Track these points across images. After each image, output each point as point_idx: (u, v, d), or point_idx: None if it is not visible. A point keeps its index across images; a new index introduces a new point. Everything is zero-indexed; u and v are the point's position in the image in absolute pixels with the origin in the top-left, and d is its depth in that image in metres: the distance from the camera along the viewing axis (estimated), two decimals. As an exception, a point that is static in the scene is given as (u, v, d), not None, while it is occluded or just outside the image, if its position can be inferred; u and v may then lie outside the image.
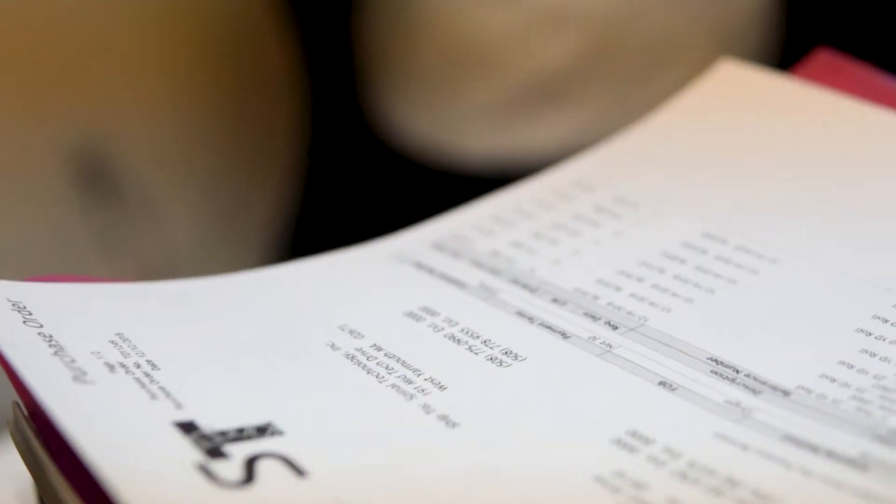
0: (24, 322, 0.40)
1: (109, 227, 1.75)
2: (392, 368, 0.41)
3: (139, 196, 1.77)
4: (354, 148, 1.43)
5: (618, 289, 0.45)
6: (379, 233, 1.44)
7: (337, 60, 1.41)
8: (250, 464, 0.35)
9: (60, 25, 1.66)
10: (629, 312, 0.43)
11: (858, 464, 0.35)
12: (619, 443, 0.36)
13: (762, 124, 0.53)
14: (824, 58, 0.56)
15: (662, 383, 0.39)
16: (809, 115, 0.53)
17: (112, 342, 0.40)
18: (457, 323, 0.43)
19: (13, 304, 0.41)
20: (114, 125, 1.72)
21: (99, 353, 0.39)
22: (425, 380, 0.40)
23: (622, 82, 1.27)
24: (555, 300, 0.44)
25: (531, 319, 0.43)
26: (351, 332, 0.43)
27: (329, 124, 1.42)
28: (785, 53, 1.36)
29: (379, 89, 1.38)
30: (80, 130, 1.70)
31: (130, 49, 1.71)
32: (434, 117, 1.33)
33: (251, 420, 0.37)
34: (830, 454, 0.35)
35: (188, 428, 0.36)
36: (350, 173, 1.45)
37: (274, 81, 1.65)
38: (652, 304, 0.43)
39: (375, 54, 1.37)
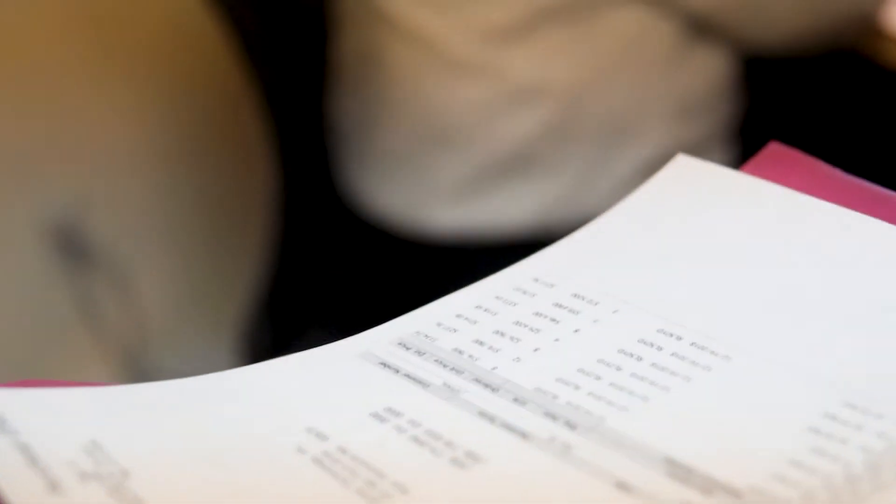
0: (1, 431, 0.41)
1: (87, 297, 1.75)
2: (356, 472, 0.42)
3: (114, 268, 1.77)
4: (327, 220, 1.45)
5: (576, 387, 0.46)
6: (351, 304, 1.45)
7: (310, 135, 1.42)
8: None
9: (36, 103, 1.67)
10: (587, 412, 0.44)
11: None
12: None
13: (716, 219, 0.55)
14: (776, 151, 0.58)
15: (619, 485, 0.40)
16: (762, 210, 0.54)
17: (86, 450, 0.41)
18: (420, 424, 0.45)
19: (-11, 414, 0.42)
20: (91, 198, 1.73)
21: (73, 461, 0.40)
22: (389, 483, 0.41)
23: (587, 155, 1.29)
24: (516, 400, 0.46)
25: (493, 420, 0.45)
26: (318, 434, 0.44)
27: (303, 196, 1.43)
28: (745, 126, 1.39)
29: (351, 163, 1.39)
30: (57, 203, 1.71)
31: (109, 128, 1.72)
32: (404, 191, 1.34)
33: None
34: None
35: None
36: (323, 244, 1.46)
37: (249, 157, 1.67)
38: (609, 402, 0.45)
39: (347, 129, 1.38)
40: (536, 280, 0.54)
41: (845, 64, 1.39)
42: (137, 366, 1.78)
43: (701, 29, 1.26)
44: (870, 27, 1.28)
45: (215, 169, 1.78)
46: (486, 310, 0.53)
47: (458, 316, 0.52)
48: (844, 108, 1.49)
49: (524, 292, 0.53)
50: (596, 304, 0.51)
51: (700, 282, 0.51)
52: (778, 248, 0.52)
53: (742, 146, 1.40)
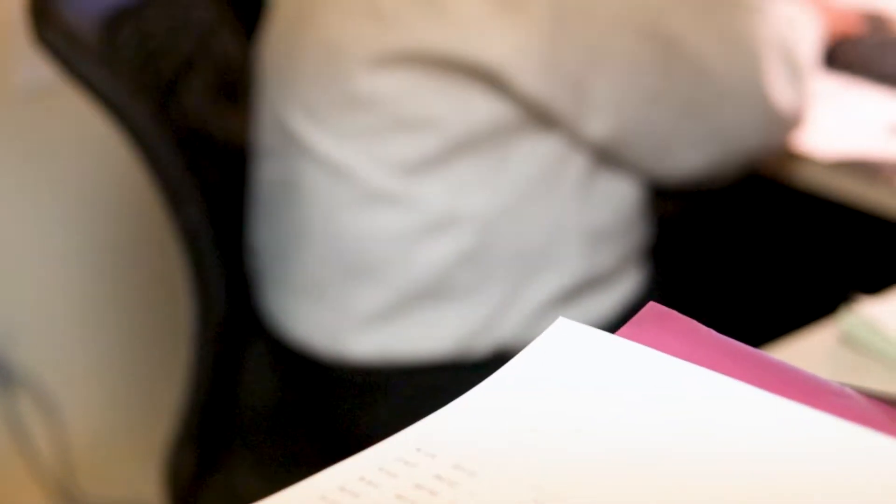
0: None
1: (17, 424, 1.75)
2: None
3: (41, 397, 1.77)
4: (251, 345, 1.45)
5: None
6: (276, 428, 1.44)
7: (234, 263, 1.43)
8: None
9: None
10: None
11: None
12: None
13: (594, 387, 0.56)
14: (655, 312, 0.60)
15: None
16: (638, 375, 0.56)
17: None
18: None
19: None
20: (17, 328, 1.73)
21: None
22: None
23: (503, 282, 1.31)
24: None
25: None
26: None
27: (227, 323, 1.44)
28: (657, 249, 1.41)
29: (272, 290, 1.41)
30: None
31: (36, 261, 1.73)
32: (323, 318, 1.35)
33: None
34: None
35: None
36: (247, 370, 1.47)
37: (172, 286, 1.67)
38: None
39: (268, 257, 1.40)
40: (419, 450, 0.55)
41: (752, 184, 1.42)
42: (69, 494, 1.78)
43: (609, 160, 1.29)
44: (777, 153, 1.32)
45: (139, 300, 1.79)
46: (369, 482, 0.54)
47: (342, 489, 0.53)
48: (754, 227, 1.53)
49: (406, 462, 0.54)
50: (475, 475, 0.52)
51: (576, 449, 0.53)
52: (655, 414, 0.54)
53: (655, 269, 1.43)
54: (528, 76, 1.20)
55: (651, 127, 1.25)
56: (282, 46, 1.35)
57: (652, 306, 0.60)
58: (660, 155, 1.27)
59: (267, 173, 1.38)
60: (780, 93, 1.25)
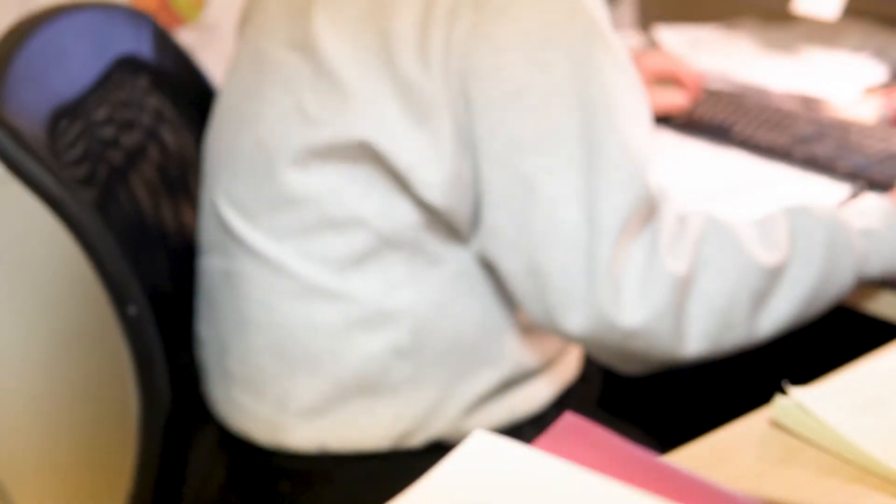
0: None
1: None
2: None
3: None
4: (199, 435, 1.46)
5: None
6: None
7: (181, 353, 1.44)
8: None
9: None
10: None
11: None
12: None
13: (508, 497, 0.58)
14: (571, 423, 0.62)
15: None
16: (550, 487, 0.57)
17: None
18: None
19: None
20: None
21: None
22: None
23: (439, 375, 1.32)
24: None
25: None
26: None
27: (175, 413, 1.44)
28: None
29: (215, 381, 1.42)
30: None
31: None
32: (263, 408, 1.36)
33: None
34: None
35: None
36: (194, 459, 1.47)
37: (120, 380, 1.68)
38: None
39: (211, 347, 1.41)
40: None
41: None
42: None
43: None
44: None
45: (88, 390, 1.79)
46: None
47: None
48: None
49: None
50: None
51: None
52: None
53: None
54: (433, 187, 1.23)
55: None
56: (220, 143, 1.38)
57: (568, 417, 0.62)
58: None
59: (209, 264, 1.40)
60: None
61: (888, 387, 1.04)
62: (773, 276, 1.26)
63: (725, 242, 1.25)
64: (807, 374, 1.16)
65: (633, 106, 1.24)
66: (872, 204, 1.34)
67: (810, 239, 1.28)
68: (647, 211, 1.23)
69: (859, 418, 0.99)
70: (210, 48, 2.03)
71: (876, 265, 1.31)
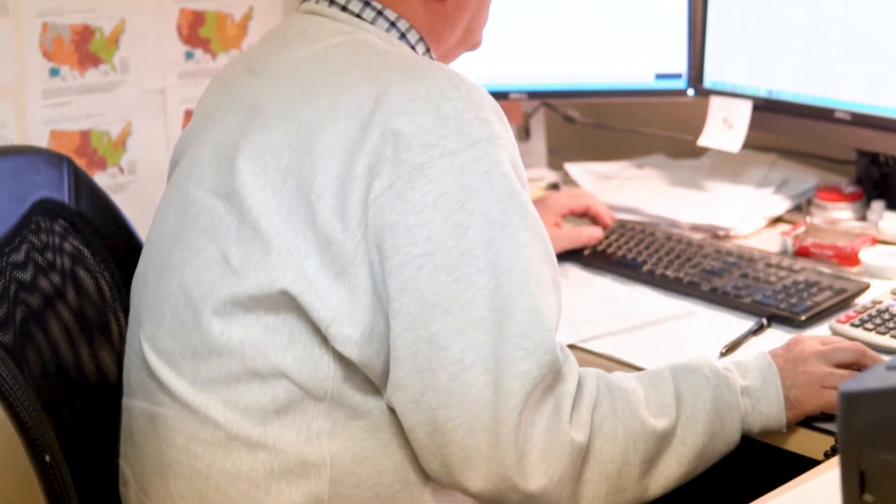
0: None
1: None
2: None
3: None
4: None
5: None
6: None
7: (107, 489, 1.44)
8: None
9: None
10: None
11: None
12: None
13: None
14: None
15: None
16: None
17: None
18: None
19: None
20: None
21: None
22: None
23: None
24: None
25: None
26: None
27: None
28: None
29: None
30: None
31: None
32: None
33: None
34: None
35: None
36: None
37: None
38: None
39: (137, 487, 1.41)
40: None
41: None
42: None
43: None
44: None
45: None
46: None
47: None
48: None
49: None
50: None
51: None
52: None
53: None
54: (349, 342, 1.25)
55: None
56: (147, 288, 1.39)
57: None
58: None
59: (134, 406, 1.40)
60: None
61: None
62: (662, 439, 1.30)
63: (618, 407, 1.29)
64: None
65: (545, 273, 1.27)
66: (755, 362, 1.39)
67: (697, 400, 1.33)
68: (553, 377, 1.26)
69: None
70: (130, 190, 2.05)
71: (756, 422, 1.36)
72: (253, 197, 1.27)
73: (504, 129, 1.28)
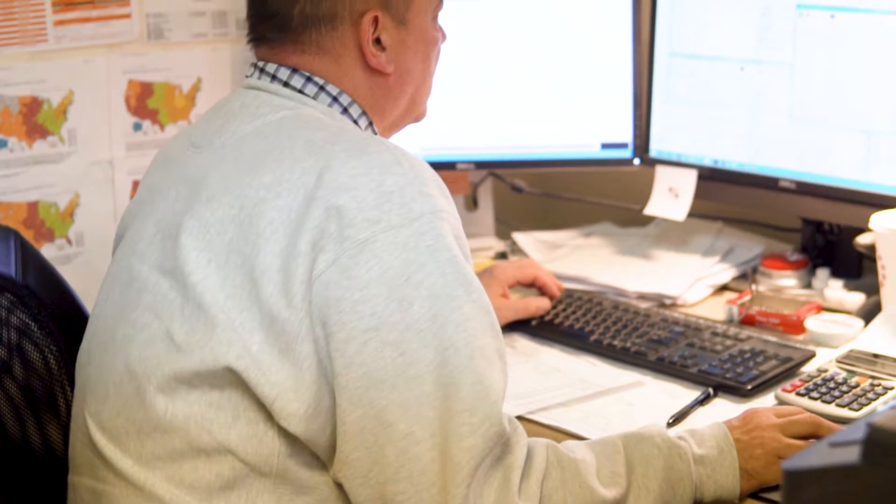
0: None
1: None
2: None
3: None
4: None
5: None
6: None
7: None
8: None
9: None
10: None
11: None
12: None
13: None
14: None
15: None
16: None
17: None
18: None
19: None
20: None
21: None
22: None
23: None
24: None
25: None
26: None
27: None
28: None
29: None
30: None
31: None
32: None
33: None
34: None
35: None
36: None
37: None
38: None
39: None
40: None
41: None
42: None
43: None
44: None
45: None
46: None
47: None
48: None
49: None
50: None
51: None
52: None
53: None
54: (294, 418, 1.25)
55: None
56: (92, 364, 1.38)
57: None
58: None
59: (79, 482, 1.39)
60: None
61: None
62: None
63: (567, 477, 1.30)
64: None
65: (490, 345, 1.28)
66: (711, 431, 1.40)
67: (648, 469, 1.33)
68: (501, 449, 1.27)
69: None
70: (78, 261, 2.04)
71: (709, 491, 1.36)
72: (197, 273, 1.28)
73: (447, 203, 1.29)
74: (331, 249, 1.23)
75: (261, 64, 1.40)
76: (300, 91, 1.38)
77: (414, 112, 1.49)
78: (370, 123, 1.42)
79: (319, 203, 1.24)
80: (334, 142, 1.30)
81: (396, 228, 1.24)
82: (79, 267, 2.03)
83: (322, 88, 1.38)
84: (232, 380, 1.26)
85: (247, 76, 1.42)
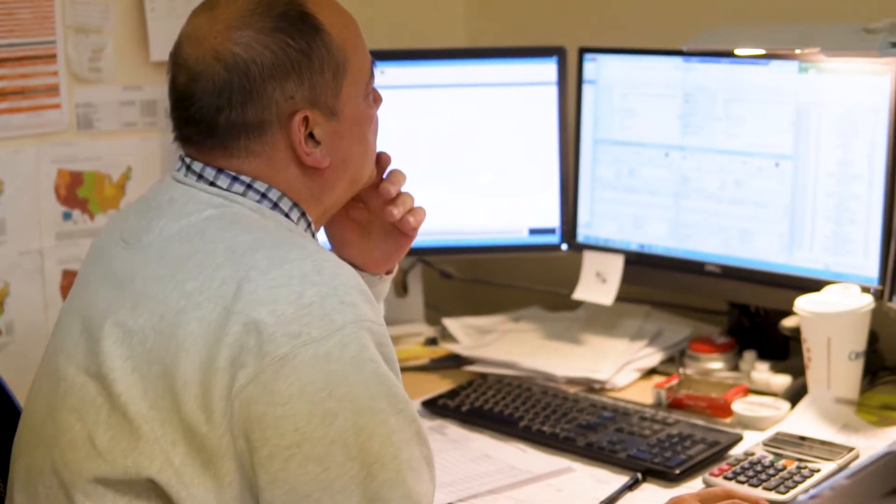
0: None
1: None
2: None
3: None
4: None
5: None
6: None
7: None
8: None
9: None
10: None
11: None
12: None
13: None
14: None
15: None
16: None
17: None
18: None
19: None
20: None
21: None
22: None
23: None
24: None
25: None
26: None
27: None
28: None
29: None
30: None
31: None
32: None
33: None
34: None
35: None
36: None
37: None
38: None
39: None
40: None
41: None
42: None
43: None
44: None
45: None
46: None
47: None
48: None
49: None
50: None
51: None
52: None
53: None
54: None
55: None
56: (21, 463, 1.37)
57: None
58: None
59: None
60: None
61: None
62: None
63: None
64: None
65: (416, 455, 1.27)
66: None
67: None
68: None
69: None
70: (8, 351, 2.03)
71: None
72: (121, 382, 1.26)
73: (370, 309, 1.27)
74: (251, 364, 1.21)
75: (188, 161, 1.37)
76: (227, 190, 1.34)
77: (355, 188, 1.45)
78: (303, 214, 1.38)
79: (238, 317, 1.22)
80: (256, 248, 1.27)
81: (318, 342, 1.22)
82: (9, 357, 2.01)
83: (249, 186, 1.34)
84: (155, 491, 1.24)
85: (176, 169, 1.39)
